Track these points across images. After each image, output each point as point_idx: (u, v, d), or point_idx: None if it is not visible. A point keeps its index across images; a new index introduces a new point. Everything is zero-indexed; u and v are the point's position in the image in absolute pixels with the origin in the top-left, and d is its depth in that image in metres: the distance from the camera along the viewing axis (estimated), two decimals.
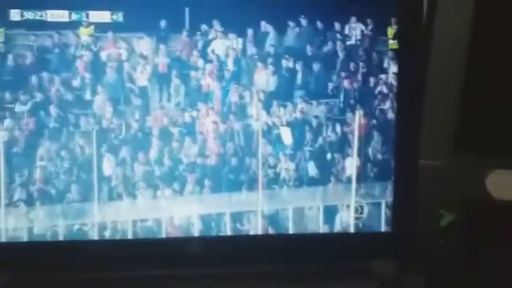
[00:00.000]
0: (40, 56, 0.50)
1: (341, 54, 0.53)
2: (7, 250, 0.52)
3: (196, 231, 0.53)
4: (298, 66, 0.53)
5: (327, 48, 0.53)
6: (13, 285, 0.51)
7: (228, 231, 0.54)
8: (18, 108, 0.50)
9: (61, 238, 0.52)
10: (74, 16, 0.50)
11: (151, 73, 0.51)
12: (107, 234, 0.52)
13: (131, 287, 0.52)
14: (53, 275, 0.52)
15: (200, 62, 0.52)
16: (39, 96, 0.50)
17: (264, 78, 0.53)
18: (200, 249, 0.53)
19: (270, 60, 0.52)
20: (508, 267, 0.57)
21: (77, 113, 0.51)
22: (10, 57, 0.50)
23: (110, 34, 0.51)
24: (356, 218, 0.55)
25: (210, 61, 0.52)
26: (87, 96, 0.51)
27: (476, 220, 0.64)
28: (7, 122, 0.50)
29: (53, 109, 0.50)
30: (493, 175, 0.61)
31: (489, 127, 0.62)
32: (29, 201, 0.51)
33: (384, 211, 0.55)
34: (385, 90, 0.54)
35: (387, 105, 0.54)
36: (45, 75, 0.50)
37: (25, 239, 0.51)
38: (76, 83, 0.51)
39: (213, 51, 0.52)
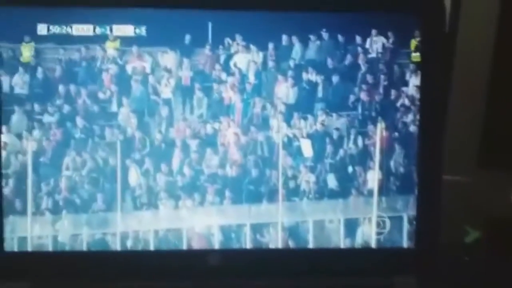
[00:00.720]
0: (68, 69, 0.52)
1: (362, 67, 0.53)
2: (29, 258, 0.53)
3: (216, 242, 0.54)
4: (319, 79, 0.53)
5: (348, 61, 0.53)
6: None
7: (248, 243, 0.54)
8: (46, 119, 0.52)
9: (84, 247, 0.53)
10: (98, 30, 0.51)
11: (175, 86, 0.53)
12: (129, 244, 0.53)
13: None
14: (74, 284, 0.52)
15: (223, 75, 0.53)
16: (66, 108, 0.52)
17: (285, 91, 0.53)
18: (220, 261, 0.53)
19: (291, 73, 0.53)
20: None
21: (103, 124, 0.52)
22: (39, 70, 0.51)
23: (135, 48, 0.52)
24: (378, 233, 0.55)
25: (232, 74, 0.53)
26: (113, 108, 0.52)
27: (501, 237, 0.63)
28: (36, 132, 0.52)
29: (79, 120, 0.52)
30: None
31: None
32: (54, 210, 0.52)
33: (406, 226, 0.55)
34: (407, 103, 0.53)
35: (409, 118, 0.54)
36: (72, 87, 0.52)
37: (49, 247, 0.52)
38: (102, 95, 0.52)
39: (235, 65, 0.53)
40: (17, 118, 0.51)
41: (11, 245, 0.52)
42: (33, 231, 0.52)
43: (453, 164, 0.59)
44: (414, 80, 0.53)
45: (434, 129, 0.54)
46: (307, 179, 0.54)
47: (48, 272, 0.52)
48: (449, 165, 0.57)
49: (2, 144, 0.51)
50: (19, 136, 0.51)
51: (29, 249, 0.52)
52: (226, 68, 0.53)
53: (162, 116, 0.52)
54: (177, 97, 0.53)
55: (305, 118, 0.53)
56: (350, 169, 0.54)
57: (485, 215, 0.65)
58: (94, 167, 0.52)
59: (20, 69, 0.51)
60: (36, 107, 0.51)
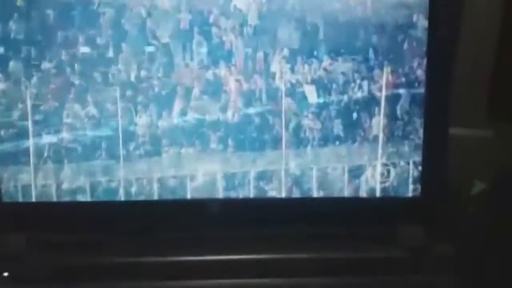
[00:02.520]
0: (63, 14, 0.50)
1: (368, 9, 0.51)
2: (27, 209, 0.52)
3: (220, 190, 0.53)
4: (324, 22, 0.51)
5: (354, 2, 0.51)
6: (31, 245, 0.51)
7: (251, 190, 0.53)
8: (44, 65, 0.50)
9: (85, 196, 0.52)
10: None
11: (173, 30, 0.51)
12: (131, 192, 0.52)
13: (152, 248, 0.52)
14: (72, 236, 0.52)
15: (222, 19, 0.51)
16: (64, 54, 0.50)
17: (288, 34, 0.51)
18: (223, 211, 0.53)
19: (294, 15, 0.51)
20: None
21: (102, 70, 0.51)
22: (33, 14, 0.50)
23: None
24: (383, 181, 0.54)
25: (232, 17, 0.51)
26: (111, 53, 0.51)
27: (509, 190, 0.62)
28: (34, 80, 0.51)
29: (78, 67, 0.51)
30: None
31: None
32: (56, 159, 0.52)
33: (412, 175, 0.54)
34: (415, 46, 0.52)
35: (416, 62, 0.52)
36: (69, 32, 0.50)
37: (51, 197, 0.52)
38: (100, 40, 0.51)
39: (235, 6, 0.51)
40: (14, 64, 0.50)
41: (11, 195, 0.52)
42: (36, 181, 0.52)
43: (463, 117, 0.58)
44: (422, 23, 0.51)
45: (442, 75, 0.53)
46: (311, 126, 0.53)
47: (47, 223, 0.52)
48: (458, 118, 0.55)
49: (0, 92, 0.50)
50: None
51: (30, 199, 0.52)
52: (225, 9, 0.51)
53: (161, 61, 0.51)
54: (177, 42, 0.51)
55: (310, 63, 0.52)
56: (355, 115, 0.53)
57: (494, 168, 0.64)
58: (94, 114, 0.51)
59: (15, 14, 0.50)
60: (33, 53, 0.50)
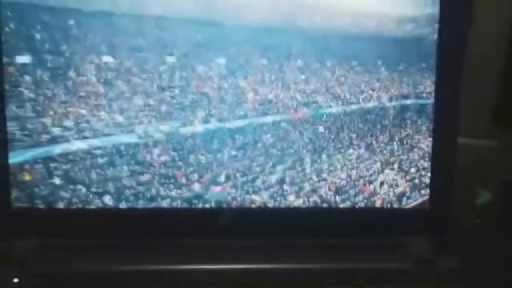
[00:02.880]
0: (87, 25, 0.50)
1: (377, 23, 0.52)
2: (38, 214, 0.52)
3: (234, 198, 0.53)
4: (335, 35, 0.52)
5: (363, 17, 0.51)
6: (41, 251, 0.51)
7: (260, 199, 0.53)
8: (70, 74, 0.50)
9: (92, 203, 0.52)
10: None
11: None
12: (150, 197, 0.52)
13: (164, 256, 0.52)
14: (84, 242, 0.52)
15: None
16: (87, 63, 0.50)
17: (302, 47, 0.52)
18: (236, 219, 0.53)
19: (306, 29, 0.52)
20: None
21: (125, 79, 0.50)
22: (58, 25, 0.49)
23: None
24: (391, 193, 0.54)
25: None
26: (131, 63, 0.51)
27: None
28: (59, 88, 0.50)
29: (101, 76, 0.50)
30: None
31: None
32: (69, 166, 0.51)
33: (419, 187, 0.54)
34: (423, 58, 0.52)
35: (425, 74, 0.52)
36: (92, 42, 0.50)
37: (64, 203, 0.52)
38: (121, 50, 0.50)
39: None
40: None
41: (21, 199, 0.52)
42: (50, 187, 0.52)
43: (469, 126, 0.58)
44: (431, 35, 0.52)
45: (449, 89, 0.53)
46: (324, 135, 0.53)
47: (57, 229, 0.52)
48: (465, 127, 0.56)
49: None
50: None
51: (41, 205, 0.52)
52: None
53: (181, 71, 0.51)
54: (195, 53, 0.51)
55: (321, 74, 0.52)
56: (365, 125, 0.53)
57: (499, 177, 0.64)
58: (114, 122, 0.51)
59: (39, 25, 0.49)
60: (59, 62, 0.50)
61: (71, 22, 0.50)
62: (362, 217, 0.55)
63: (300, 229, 0.54)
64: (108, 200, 0.52)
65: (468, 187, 0.61)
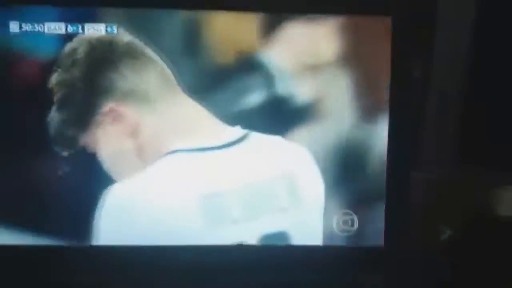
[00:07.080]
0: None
1: None
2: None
3: None
4: None
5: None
6: None
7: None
8: None
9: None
10: (70, 29, 0.52)
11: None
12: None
13: None
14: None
15: None
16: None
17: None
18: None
19: None
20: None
21: None
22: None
23: None
24: (346, 231, 0.55)
25: None
26: None
27: (477, 237, 0.62)
28: None
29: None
30: (501, 191, 0.60)
31: (493, 138, 0.61)
32: None
33: (375, 225, 0.54)
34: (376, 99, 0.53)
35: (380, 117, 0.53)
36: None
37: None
38: None
39: None
40: None
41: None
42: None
43: (430, 161, 0.59)
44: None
45: (402, 126, 0.54)
46: None
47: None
48: (426, 162, 0.56)
49: None
50: None
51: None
52: None
53: None
54: None
55: None
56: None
57: (464, 213, 0.64)
58: None
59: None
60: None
61: None
62: (317, 254, 0.54)
63: (256, 266, 0.54)
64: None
65: (430, 224, 0.61)
